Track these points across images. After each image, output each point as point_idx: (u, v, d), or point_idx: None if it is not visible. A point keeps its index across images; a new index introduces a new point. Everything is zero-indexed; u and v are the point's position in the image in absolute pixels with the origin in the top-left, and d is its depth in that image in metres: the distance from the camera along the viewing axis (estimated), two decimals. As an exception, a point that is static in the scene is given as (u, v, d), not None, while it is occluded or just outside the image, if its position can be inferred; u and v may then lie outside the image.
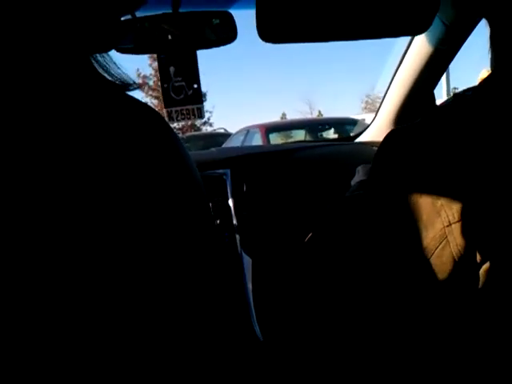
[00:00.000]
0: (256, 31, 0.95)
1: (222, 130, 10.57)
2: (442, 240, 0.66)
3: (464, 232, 0.64)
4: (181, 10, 1.12)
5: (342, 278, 0.82)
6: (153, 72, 21.88)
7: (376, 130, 1.86)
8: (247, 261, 1.34)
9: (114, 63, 0.54)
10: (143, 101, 0.53)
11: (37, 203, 0.42)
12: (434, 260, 0.67)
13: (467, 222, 0.64)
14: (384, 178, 0.73)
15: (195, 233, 0.52)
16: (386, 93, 1.76)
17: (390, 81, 1.71)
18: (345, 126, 6.67)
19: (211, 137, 8.95)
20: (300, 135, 7.01)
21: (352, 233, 0.82)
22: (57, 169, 0.43)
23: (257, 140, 6.27)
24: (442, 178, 0.66)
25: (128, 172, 0.46)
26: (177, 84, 1.14)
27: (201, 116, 1.18)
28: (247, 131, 6.71)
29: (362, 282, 0.80)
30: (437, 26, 1.43)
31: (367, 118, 10.14)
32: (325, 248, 0.86)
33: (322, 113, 34.35)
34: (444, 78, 12.42)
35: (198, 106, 1.16)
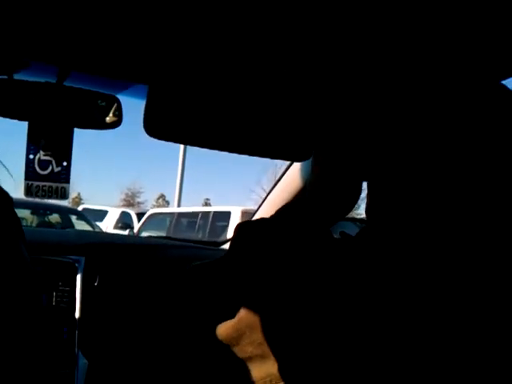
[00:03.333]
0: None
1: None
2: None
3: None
4: (66, 84, 1.06)
5: None
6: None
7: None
8: (83, 363, 1.19)
9: None
10: None
11: None
12: None
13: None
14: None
15: None
16: (259, 207, 1.79)
17: (264, 197, 1.76)
18: (68, 214, 7.69)
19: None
20: (25, 214, 7.01)
21: None
22: None
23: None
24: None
25: None
26: (44, 158, 1.04)
27: (64, 196, 1.08)
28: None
29: None
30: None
31: (110, 211, 10.69)
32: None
33: (81, 196, 37.49)
34: (177, 188, 13.31)
35: (64, 185, 1.07)
